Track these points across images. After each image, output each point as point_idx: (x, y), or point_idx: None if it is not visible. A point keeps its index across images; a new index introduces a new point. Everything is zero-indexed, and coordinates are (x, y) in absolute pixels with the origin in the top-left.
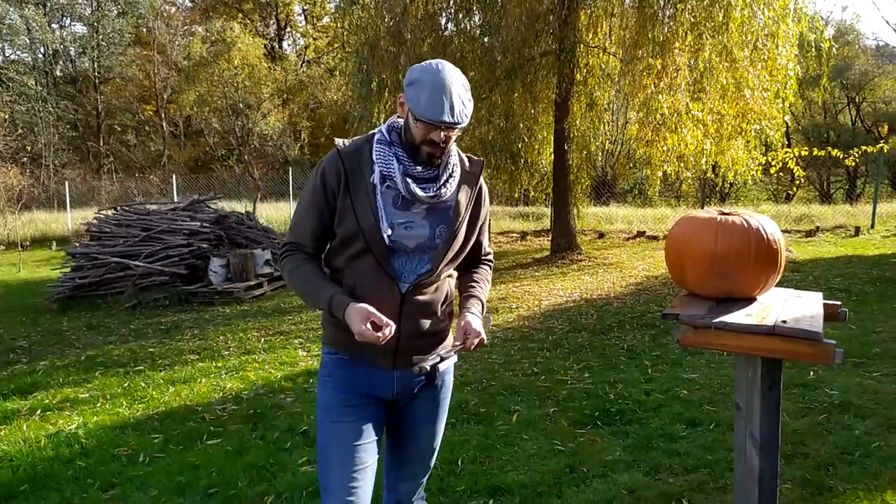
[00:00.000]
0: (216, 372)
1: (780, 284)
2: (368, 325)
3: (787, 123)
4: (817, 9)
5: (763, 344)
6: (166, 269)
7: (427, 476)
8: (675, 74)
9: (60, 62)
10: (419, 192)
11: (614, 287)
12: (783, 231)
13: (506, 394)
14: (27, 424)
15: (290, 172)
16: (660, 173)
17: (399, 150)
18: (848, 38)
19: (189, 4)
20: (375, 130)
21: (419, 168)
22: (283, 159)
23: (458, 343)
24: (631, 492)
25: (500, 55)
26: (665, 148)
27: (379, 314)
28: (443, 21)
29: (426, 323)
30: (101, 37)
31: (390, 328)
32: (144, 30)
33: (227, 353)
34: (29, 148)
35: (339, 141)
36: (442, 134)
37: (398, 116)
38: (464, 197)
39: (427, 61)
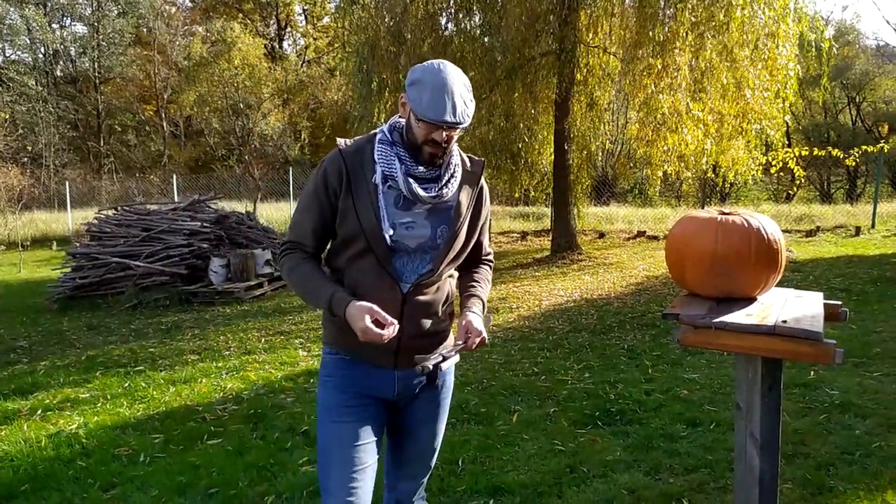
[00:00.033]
0: (217, 372)
1: (780, 284)
2: (371, 324)
3: (787, 123)
4: (817, 8)
5: (763, 344)
6: (167, 269)
7: (427, 476)
8: (676, 74)
9: (61, 62)
10: (421, 193)
11: (615, 287)
12: (783, 231)
13: (506, 394)
14: (28, 424)
15: (291, 172)
16: (660, 173)
17: (401, 150)
18: (848, 38)
19: (189, 4)
20: (377, 130)
21: (421, 168)
22: (283, 159)
23: (459, 342)
24: (631, 492)
25: (500, 55)
26: (665, 148)
27: (383, 312)
28: (443, 21)
29: (427, 323)
30: (101, 37)
31: (394, 327)
32: (145, 30)
33: (227, 353)
34: (29, 148)
35: (340, 141)
36: (444, 134)
37: (400, 116)
38: (465, 197)
39: (429, 61)
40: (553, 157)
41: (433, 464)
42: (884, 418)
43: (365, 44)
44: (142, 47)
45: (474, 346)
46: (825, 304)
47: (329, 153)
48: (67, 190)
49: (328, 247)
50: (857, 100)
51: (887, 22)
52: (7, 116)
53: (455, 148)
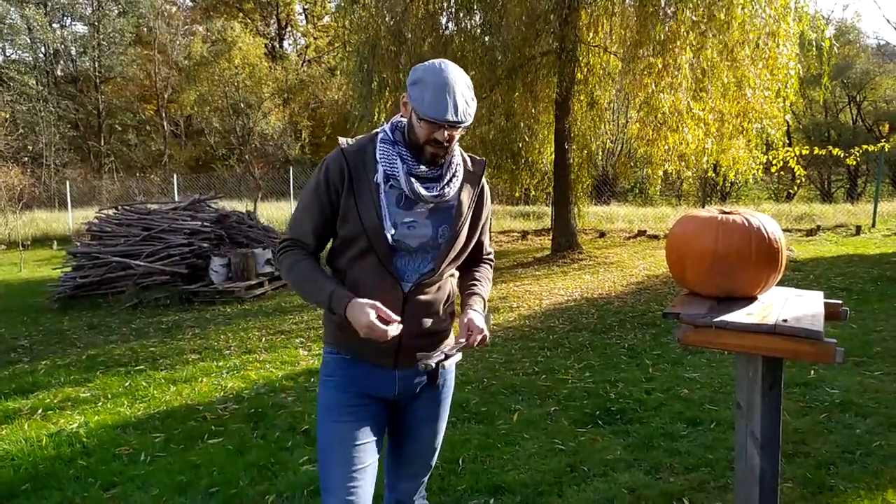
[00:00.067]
0: (217, 371)
1: (780, 283)
2: (377, 320)
3: (788, 122)
4: (818, 7)
5: (764, 343)
6: (167, 269)
7: (428, 475)
8: (677, 73)
9: (61, 62)
10: (423, 192)
11: (615, 286)
12: (784, 230)
13: (507, 393)
14: (28, 424)
15: (291, 172)
16: (661, 172)
17: (402, 149)
18: (849, 37)
19: (190, 4)
20: (379, 129)
21: (423, 167)
22: (283, 159)
23: (461, 340)
24: (632, 491)
25: (500, 54)
26: (666, 147)
27: (386, 309)
28: (443, 20)
29: (428, 322)
30: (101, 36)
31: (397, 325)
32: (145, 29)
33: (228, 352)
34: (30, 147)
35: (342, 140)
36: (445, 133)
37: (401, 116)
38: (466, 197)
39: (430, 61)
40: (553, 156)
41: (434, 463)
42: (884, 417)
43: (365, 43)
44: (142, 47)
45: (476, 343)
46: (826, 304)
47: (331, 152)
48: (68, 189)
49: (329, 246)
50: (858, 99)
51: (888, 21)
52: (7, 116)
53: (456, 147)
